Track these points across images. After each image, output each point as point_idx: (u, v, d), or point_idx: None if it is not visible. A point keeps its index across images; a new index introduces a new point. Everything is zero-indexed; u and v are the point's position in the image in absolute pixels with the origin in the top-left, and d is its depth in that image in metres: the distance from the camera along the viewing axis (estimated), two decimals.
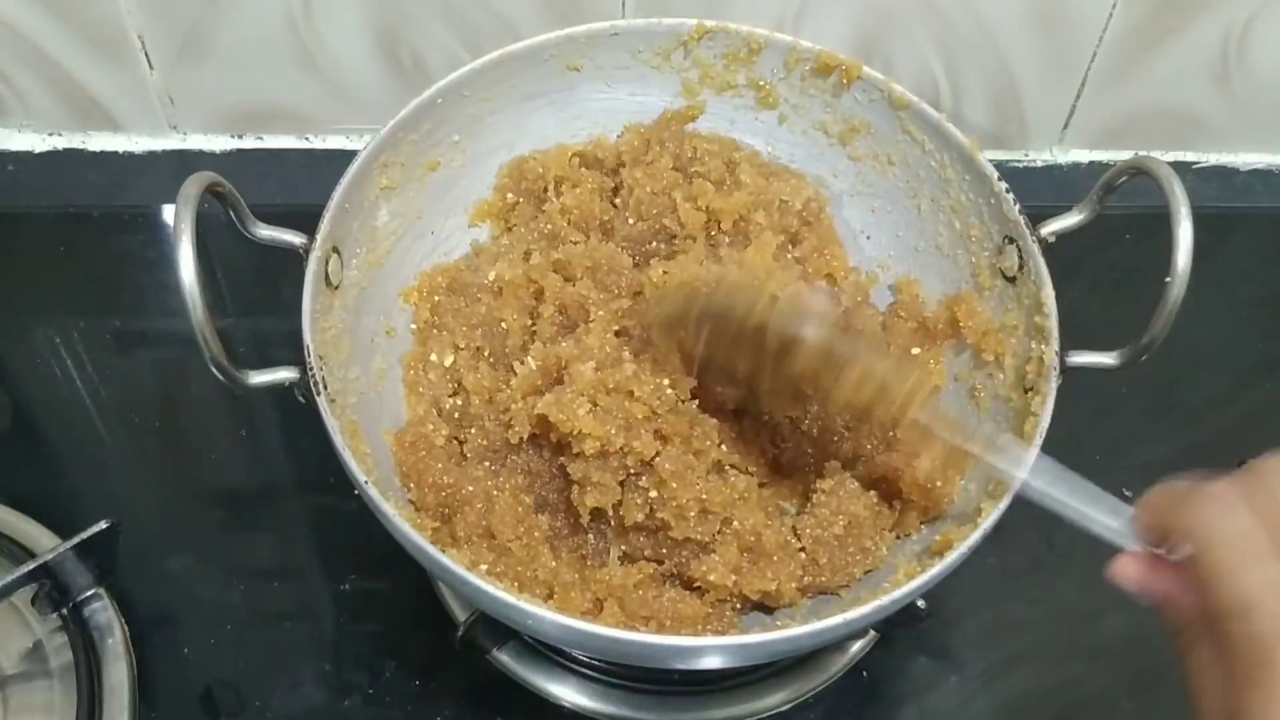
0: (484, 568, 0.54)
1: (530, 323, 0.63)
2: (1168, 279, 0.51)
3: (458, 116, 0.65)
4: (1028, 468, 0.48)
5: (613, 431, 0.54)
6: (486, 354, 0.63)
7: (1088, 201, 0.58)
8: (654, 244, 0.65)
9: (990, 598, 0.67)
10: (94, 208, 0.82)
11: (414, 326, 0.65)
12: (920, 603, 0.56)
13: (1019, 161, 0.89)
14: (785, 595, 0.55)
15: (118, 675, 0.61)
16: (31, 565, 0.59)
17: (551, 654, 0.63)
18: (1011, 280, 0.60)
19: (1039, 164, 0.89)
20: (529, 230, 0.67)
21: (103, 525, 0.61)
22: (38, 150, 0.86)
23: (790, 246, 0.65)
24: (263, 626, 0.65)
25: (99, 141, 0.86)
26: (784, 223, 0.65)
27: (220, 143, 0.87)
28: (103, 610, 0.62)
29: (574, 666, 0.63)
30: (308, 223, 0.56)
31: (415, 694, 0.63)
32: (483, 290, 0.64)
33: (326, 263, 0.56)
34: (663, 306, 0.57)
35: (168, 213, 0.82)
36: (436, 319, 0.65)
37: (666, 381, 0.56)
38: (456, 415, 0.62)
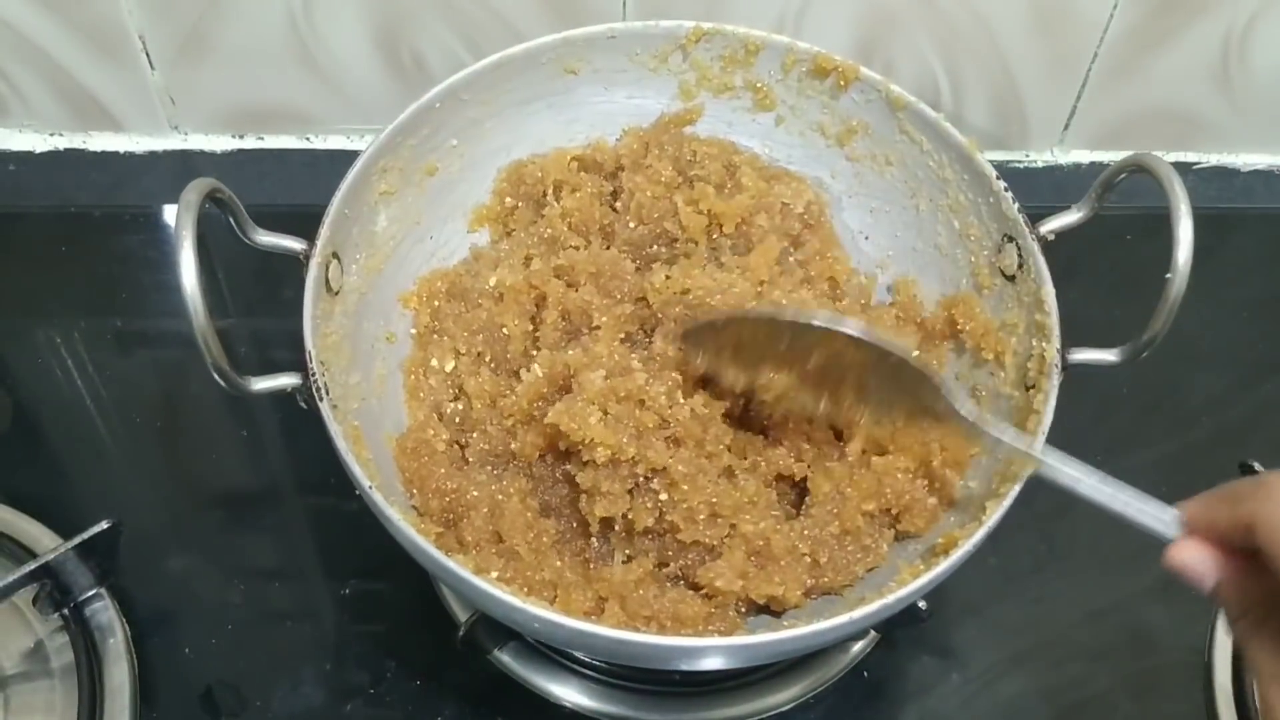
0: (494, 574, 0.54)
1: (532, 328, 0.63)
2: (1169, 275, 0.51)
3: (455, 120, 0.65)
4: (1077, 464, 0.48)
5: (624, 440, 0.54)
6: (488, 359, 0.63)
7: (1087, 199, 0.57)
8: (655, 248, 0.65)
9: (990, 598, 0.67)
10: (95, 208, 0.82)
11: (414, 332, 0.65)
12: (921, 603, 0.56)
13: (1020, 162, 0.89)
14: (791, 600, 0.55)
15: (119, 675, 0.61)
16: (33, 565, 0.60)
17: (552, 654, 0.63)
18: (1011, 279, 0.60)
19: (1040, 165, 0.89)
20: (528, 235, 0.66)
21: (104, 525, 0.61)
22: (39, 150, 0.86)
23: (792, 250, 0.65)
24: (264, 627, 0.65)
25: (100, 141, 0.86)
26: (786, 226, 0.65)
27: (221, 143, 0.87)
28: (104, 610, 0.62)
29: (575, 667, 0.63)
30: (308, 223, 0.56)
31: (416, 694, 0.63)
32: (483, 295, 0.64)
33: (327, 269, 0.56)
34: (698, 322, 0.57)
35: (169, 213, 0.82)
36: (437, 324, 0.65)
37: (679, 391, 0.56)
38: (458, 420, 0.62)
